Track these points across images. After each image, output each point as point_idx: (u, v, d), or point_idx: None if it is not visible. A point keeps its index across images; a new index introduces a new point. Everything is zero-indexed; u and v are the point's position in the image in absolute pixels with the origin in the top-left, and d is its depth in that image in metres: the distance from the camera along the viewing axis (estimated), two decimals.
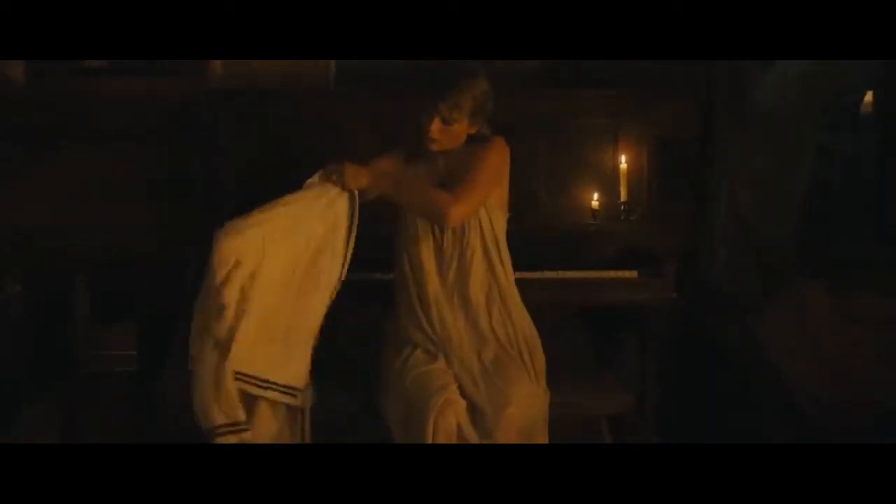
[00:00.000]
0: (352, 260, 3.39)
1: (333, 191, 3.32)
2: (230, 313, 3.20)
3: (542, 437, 3.30)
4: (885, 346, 4.13)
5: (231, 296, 3.19)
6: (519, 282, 3.55)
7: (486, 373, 3.31)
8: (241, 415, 3.22)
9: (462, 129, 3.36)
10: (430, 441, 3.14)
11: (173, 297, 4.09)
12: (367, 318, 3.61)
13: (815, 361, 4.17)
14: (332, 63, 4.35)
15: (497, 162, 3.36)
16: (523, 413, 3.23)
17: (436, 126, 3.34)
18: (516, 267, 3.58)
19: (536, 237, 3.84)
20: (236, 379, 3.21)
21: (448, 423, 3.17)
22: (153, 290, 4.25)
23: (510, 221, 3.55)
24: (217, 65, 4.33)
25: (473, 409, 3.24)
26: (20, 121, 4.33)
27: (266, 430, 3.29)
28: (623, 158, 4.11)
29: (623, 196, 4.09)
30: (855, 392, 4.10)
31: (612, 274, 3.81)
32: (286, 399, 3.28)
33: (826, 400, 4.11)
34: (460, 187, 3.29)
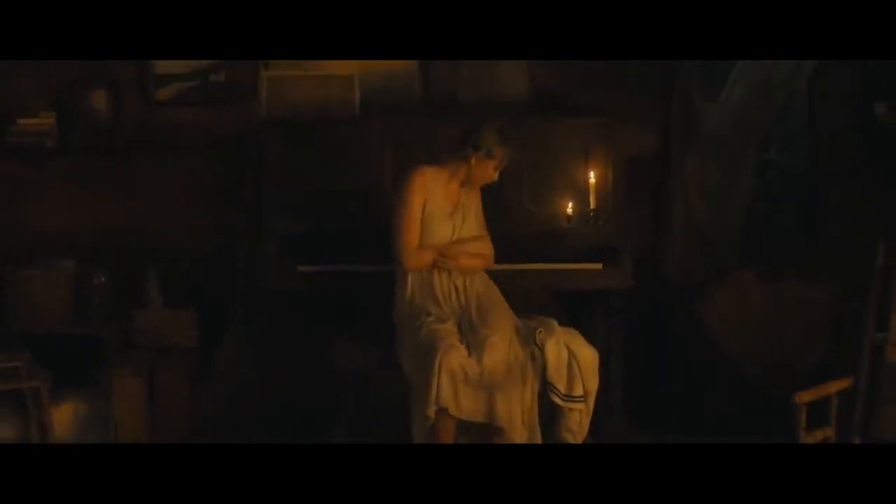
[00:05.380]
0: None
1: None
2: None
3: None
4: (806, 321, 4.67)
5: None
6: (508, 272, 4.14)
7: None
8: None
9: None
10: (436, 378, 3.71)
11: (229, 288, 4.70)
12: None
13: (751, 334, 4.68)
14: (357, 95, 4.69)
15: None
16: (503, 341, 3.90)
17: (499, 172, 4.07)
18: (506, 260, 4.16)
19: (522, 236, 4.28)
20: None
21: (451, 362, 3.78)
22: (212, 281, 4.73)
23: (500, 223, 4.21)
24: (264, 97, 4.69)
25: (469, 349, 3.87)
26: (103, 142, 4.78)
27: None
28: (592, 174, 4.49)
29: (592, 204, 4.48)
30: (783, 356, 4.64)
31: (582, 266, 4.25)
32: None
33: (759, 362, 4.66)
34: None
